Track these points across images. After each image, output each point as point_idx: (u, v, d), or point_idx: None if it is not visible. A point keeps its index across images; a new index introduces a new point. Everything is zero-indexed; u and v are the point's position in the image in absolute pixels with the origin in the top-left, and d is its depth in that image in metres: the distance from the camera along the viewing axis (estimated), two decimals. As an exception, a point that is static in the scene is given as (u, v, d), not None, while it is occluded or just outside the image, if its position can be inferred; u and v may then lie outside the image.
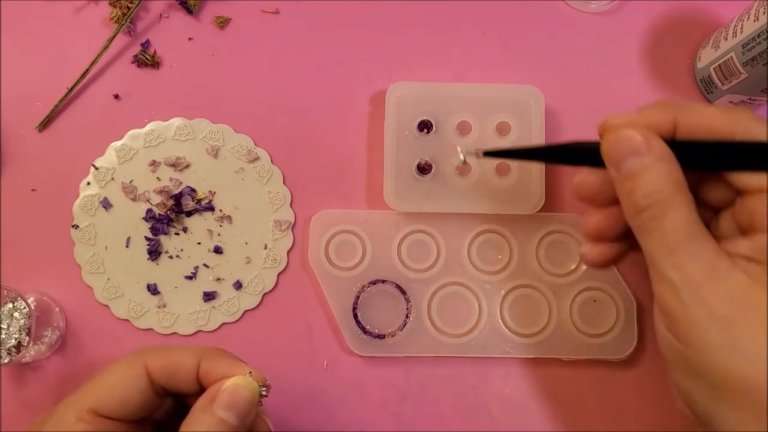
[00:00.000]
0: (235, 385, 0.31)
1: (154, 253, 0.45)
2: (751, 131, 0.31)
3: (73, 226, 0.46)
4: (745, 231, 0.32)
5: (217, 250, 0.46)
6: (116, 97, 0.47)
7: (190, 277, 0.45)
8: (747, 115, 0.32)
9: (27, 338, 0.42)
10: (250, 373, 0.32)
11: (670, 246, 0.31)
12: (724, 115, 0.32)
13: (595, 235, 0.35)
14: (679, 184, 0.31)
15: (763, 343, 0.29)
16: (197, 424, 0.31)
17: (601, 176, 0.34)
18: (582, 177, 0.35)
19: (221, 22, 0.48)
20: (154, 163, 0.46)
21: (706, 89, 0.47)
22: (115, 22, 0.47)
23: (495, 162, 0.45)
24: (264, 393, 0.32)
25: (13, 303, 0.42)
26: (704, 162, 0.32)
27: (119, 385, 0.32)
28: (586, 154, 0.33)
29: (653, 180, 0.31)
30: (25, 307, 0.42)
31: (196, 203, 0.46)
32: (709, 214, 0.34)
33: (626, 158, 0.31)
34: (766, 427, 0.29)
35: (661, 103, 0.33)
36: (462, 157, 0.39)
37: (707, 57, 0.46)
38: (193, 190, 0.46)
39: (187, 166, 0.46)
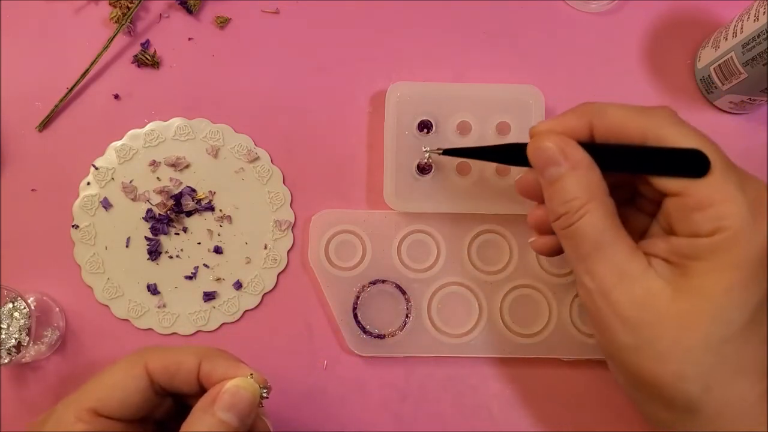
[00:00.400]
0: (236, 386, 0.31)
1: (154, 253, 0.45)
2: (661, 135, 0.32)
3: (73, 226, 0.46)
4: (667, 232, 0.34)
5: (217, 250, 0.46)
6: (116, 97, 0.47)
7: (190, 277, 0.45)
8: (661, 117, 0.33)
9: (27, 338, 0.42)
10: (251, 374, 0.32)
11: (583, 252, 0.33)
12: (637, 118, 0.33)
13: (538, 228, 0.37)
14: (594, 191, 0.33)
15: (670, 343, 0.31)
16: (198, 425, 0.31)
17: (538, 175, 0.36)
18: (522, 175, 0.37)
19: (221, 22, 0.48)
20: (154, 163, 0.46)
21: (706, 89, 0.47)
22: (115, 22, 0.47)
23: (495, 162, 0.45)
24: (265, 395, 0.32)
25: (13, 303, 0.42)
26: (621, 165, 0.33)
27: (119, 384, 0.32)
28: (523, 156, 0.35)
29: (567, 188, 0.33)
30: (25, 307, 0.42)
31: (196, 203, 0.46)
32: (651, 209, 0.36)
33: (546, 166, 0.33)
34: (676, 417, 0.32)
35: (580, 107, 0.34)
36: (426, 155, 0.43)
37: (707, 57, 0.46)
38: (193, 190, 0.46)
39: (187, 166, 0.46)
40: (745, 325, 0.30)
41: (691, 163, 0.31)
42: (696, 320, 0.31)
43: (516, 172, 0.45)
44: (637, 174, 0.34)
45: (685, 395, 0.31)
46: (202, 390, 0.33)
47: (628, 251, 0.32)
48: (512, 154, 0.36)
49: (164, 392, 0.33)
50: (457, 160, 0.45)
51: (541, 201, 0.36)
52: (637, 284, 0.32)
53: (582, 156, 0.33)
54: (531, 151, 0.34)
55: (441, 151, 0.41)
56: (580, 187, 0.33)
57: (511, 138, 0.45)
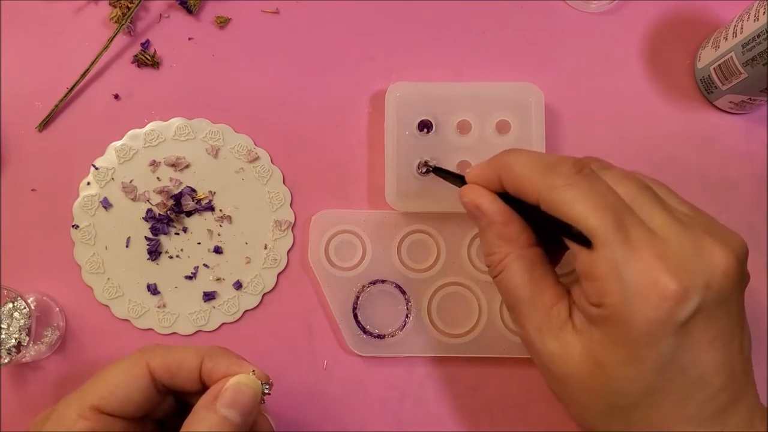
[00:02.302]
0: (237, 383, 0.32)
1: (154, 253, 0.45)
2: (551, 200, 0.31)
3: (73, 226, 0.46)
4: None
5: (217, 250, 0.46)
6: (116, 97, 0.47)
7: (190, 277, 0.45)
8: (555, 179, 0.31)
9: (27, 338, 0.42)
10: (253, 371, 0.32)
11: (508, 303, 0.34)
12: (533, 179, 0.32)
13: None
14: (513, 244, 0.33)
15: (580, 403, 0.32)
16: (200, 422, 0.31)
17: None
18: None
19: (221, 22, 0.48)
20: (154, 163, 0.46)
21: (706, 89, 0.47)
22: (115, 22, 0.47)
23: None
24: (267, 391, 0.32)
25: (13, 303, 0.42)
26: (530, 219, 0.33)
27: (121, 382, 0.32)
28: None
29: (486, 242, 0.34)
30: (25, 307, 0.42)
31: (196, 203, 0.46)
32: None
33: (472, 218, 0.35)
34: None
35: (496, 157, 0.34)
36: (422, 167, 0.44)
37: (707, 57, 0.46)
38: (193, 190, 0.46)
39: (187, 166, 0.46)
40: (645, 394, 0.30)
41: (575, 236, 0.30)
42: (596, 389, 0.31)
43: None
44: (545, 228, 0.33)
45: None
46: (204, 388, 0.33)
47: (548, 305, 0.32)
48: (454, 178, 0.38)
49: (166, 391, 0.34)
50: (457, 160, 0.45)
51: None
52: (553, 339, 0.32)
53: (496, 210, 0.33)
54: (462, 201, 0.35)
55: (432, 169, 0.43)
56: (496, 241, 0.33)
57: (512, 137, 0.45)
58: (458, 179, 0.38)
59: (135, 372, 0.32)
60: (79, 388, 0.33)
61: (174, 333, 0.45)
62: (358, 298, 0.45)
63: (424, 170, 0.44)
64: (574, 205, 0.30)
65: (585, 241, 0.30)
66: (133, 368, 0.32)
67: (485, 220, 0.33)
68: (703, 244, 0.30)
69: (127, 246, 0.46)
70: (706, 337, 0.30)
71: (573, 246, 0.31)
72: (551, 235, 0.33)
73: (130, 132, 0.47)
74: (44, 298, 0.45)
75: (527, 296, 0.32)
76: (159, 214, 0.46)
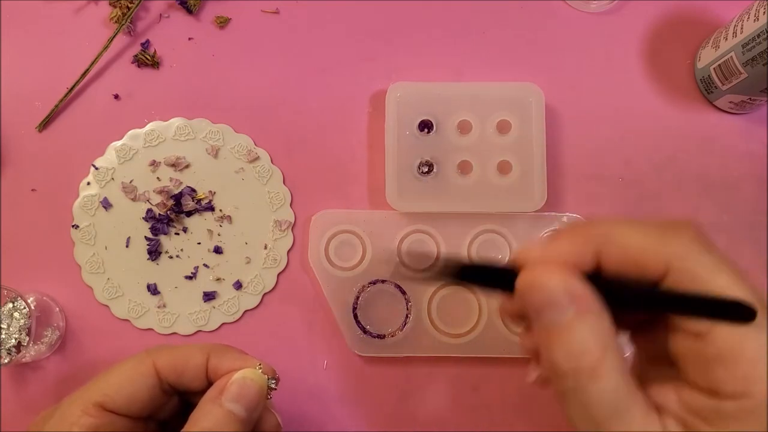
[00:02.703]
0: (243, 377, 0.32)
1: (154, 253, 0.45)
2: (688, 270, 0.26)
3: (73, 226, 0.46)
4: (673, 363, 0.28)
5: (217, 250, 0.46)
6: (116, 97, 0.47)
7: (190, 277, 0.45)
8: (685, 244, 0.26)
9: (27, 338, 0.41)
10: (260, 365, 0.32)
11: (594, 419, 0.26)
12: (655, 246, 0.26)
13: (536, 356, 0.29)
14: (606, 343, 0.26)
15: None
16: (205, 416, 0.31)
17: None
18: (504, 302, 0.30)
19: (221, 22, 0.48)
20: (154, 163, 0.46)
21: (706, 89, 0.47)
22: (115, 22, 0.47)
23: (497, 160, 0.45)
24: (273, 386, 0.33)
25: (13, 303, 0.42)
26: (636, 304, 0.27)
27: (127, 381, 0.32)
28: (505, 281, 0.28)
29: (575, 341, 0.26)
30: (25, 307, 0.42)
31: (196, 203, 0.46)
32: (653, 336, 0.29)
33: (544, 309, 0.26)
34: None
35: (582, 229, 0.28)
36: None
37: (707, 57, 0.46)
38: (193, 190, 0.46)
39: (187, 166, 0.46)
40: None
41: (730, 311, 0.25)
42: None
43: (518, 170, 0.45)
44: (655, 313, 0.28)
45: None
46: (210, 386, 0.33)
47: (644, 415, 0.26)
48: (497, 278, 0.28)
49: (172, 390, 0.34)
50: (458, 159, 0.45)
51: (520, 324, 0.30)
52: None
53: (593, 300, 0.26)
54: (524, 288, 0.27)
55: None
56: (592, 339, 0.26)
57: (512, 137, 0.45)
58: (500, 276, 0.28)
59: (140, 371, 0.32)
60: (84, 386, 0.33)
61: (174, 333, 0.45)
62: (358, 298, 0.45)
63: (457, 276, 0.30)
64: (718, 275, 0.25)
65: (747, 315, 0.25)
66: (138, 367, 0.32)
67: (575, 309, 0.26)
68: None
69: (127, 246, 0.46)
70: None
71: (693, 323, 0.26)
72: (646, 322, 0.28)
73: (130, 132, 0.47)
74: (44, 298, 0.45)
75: (628, 405, 0.26)
76: (159, 214, 0.46)
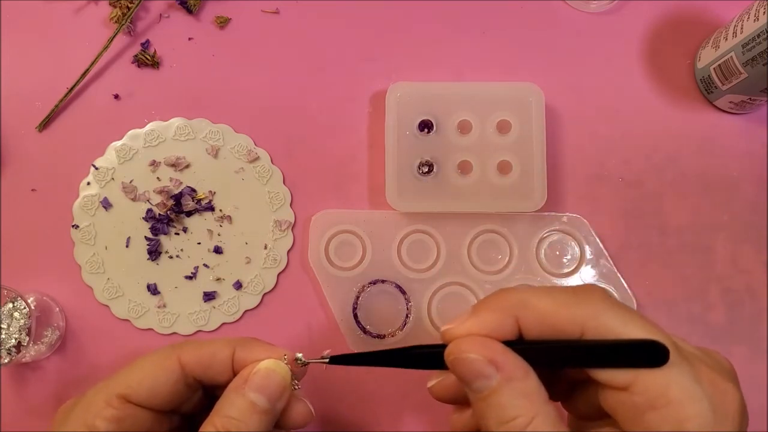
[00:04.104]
0: (267, 368, 0.32)
1: (154, 253, 0.45)
2: (600, 325, 0.27)
3: (73, 226, 0.46)
4: (609, 417, 0.29)
5: (217, 250, 0.46)
6: (116, 97, 0.47)
7: (190, 277, 0.45)
8: (594, 302, 0.28)
9: (27, 338, 0.41)
10: (285, 356, 0.33)
11: None
12: (567, 307, 0.28)
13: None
14: (536, 402, 0.27)
15: None
16: (229, 406, 0.31)
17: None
18: (436, 381, 0.32)
19: (221, 22, 0.48)
20: (154, 163, 0.46)
21: (706, 89, 0.47)
22: (115, 22, 0.47)
23: (497, 160, 0.45)
24: (296, 387, 0.33)
25: (13, 303, 0.42)
26: (558, 361, 0.29)
27: (151, 374, 0.32)
28: (435, 360, 0.30)
29: (505, 405, 0.27)
30: (25, 307, 0.42)
31: (196, 203, 0.46)
32: (570, 384, 0.32)
33: (473, 380, 0.28)
34: None
35: (497, 300, 0.29)
36: (300, 360, 0.34)
37: (707, 57, 0.46)
38: (193, 190, 0.46)
39: (187, 166, 0.46)
40: None
41: (644, 354, 0.27)
42: None
43: (518, 170, 0.45)
44: (576, 368, 0.29)
45: None
46: None
47: None
48: (424, 358, 0.31)
49: (197, 385, 0.34)
50: (458, 159, 0.45)
51: (466, 404, 0.31)
52: None
53: (515, 363, 0.27)
54: (452, 362, 0.29)
55: (327, 360, 0.34)
56: (519, 402, 0.27)
57: (512, 137, 0.45)
58: (388, 355, 0.32)
59: (165, 364, 0.33)
60: (110, 377, 0.33)
61: (174, 333, 0.45)
62: (358, 298, 0.45)
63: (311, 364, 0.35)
64: (629, 325, 0.27)
65: (661, 356, 0.26)
66: (163, 360, 0.33)
67: (501, 377, 0.27)
68: (712, 354, 0.29)
69: (127, 246, 0.46)
70: None
71: (618, 377, 0.27)
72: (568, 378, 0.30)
73: (130, 132, 0.47)
74: (44, 298, 0.45)
75: None
76: (159, 214, 0.46)
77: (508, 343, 0.28)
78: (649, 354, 0.26)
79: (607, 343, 0.27)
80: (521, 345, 0.28)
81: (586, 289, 0.29)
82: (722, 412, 0.26)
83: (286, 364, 0.33)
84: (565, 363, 0.29)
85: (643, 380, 0.26)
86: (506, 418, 0.27)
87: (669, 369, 0.26)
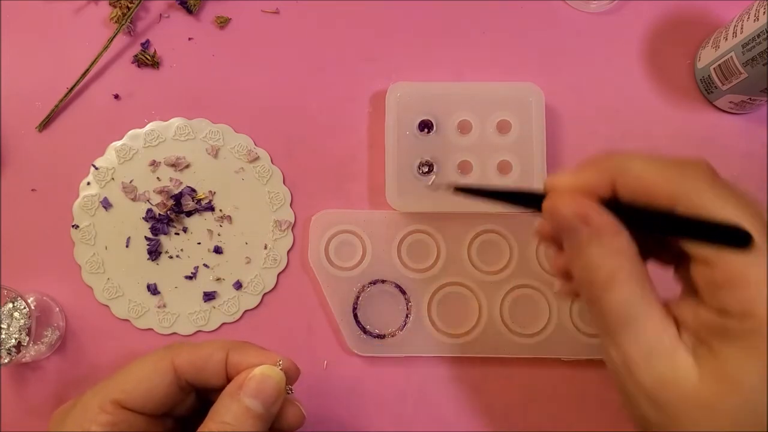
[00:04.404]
0: (262, 374, 0.32)
1: (154, 253, 0.45)
2: (695, 203, 0.28)
3: (73, 226, 0.46)
4: (695, 290, 0.30)
5: (217, 250, 0.46)
6: (116, 97, 0.47)
7: (190, 277, 0.45)
8: (695, 178, 0.29)
9: (27, 338, 0.41)
10: (280, 362, 0.33)
11: (609, 326, 0.30)
12: (667, 179, 0.29)
13: (562, 276, 0.33)
14: (621, 258, 0.29)
15: (694, 426, 0.28)
16: (224, 411, 0.31)
17: None
18: (540, 223, 0.34)
19: (221, 22, 0.48)
20: (154, 163, 0.46)
21: (706, 89, 0.47)
22: (115, 22, 0.47)
23: (497, 160, 0.45)
24: (289, 391, 0.33)
25: (13, 303, 0.42)
26: (648, 227, 0.30)
27: (145, 378, 0.32)
28: (536, 203, 0.32)
29: (590, 258, 0.29)
30: (25, 307, 0.42)
31: (196, 203, 0.46)
32: (678, 262, 0.32)
33: (564, 231, 0.30)
34: None
35: (601, 160, 0.31)
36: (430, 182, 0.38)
37: (707, 57, 0.46)
38: (193, 190, 0.46)
39: (187, 166, 0.46)
40: None
41: (729, 236, 0.28)
42: (723, 409, 0.28)
43: (518, 170, 0.45)
44: (665, 236, 0.30)
45: None
46: (230, 382, 0.33)
47: (659, 324, 0.29)
48: (530, 201, 0.33)
49: (190, 388, 0.34)
50: (458, 159, 0.45)
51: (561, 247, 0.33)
52: (664, 362, 0.29)
53: (605, 221, 0.29)
54: (547, 213, 0.31)
55: (452, 189, 0.36)
56: (604, 256, 0.29)
57: (512, 137, 0.45)
58: (513, 195, 0.33)
59: (158, 368, 0.33)
60: (104, 381, 0.33)
61: (174, 333, 0.45)
62: (358, 298, 0.45)
63: (430, 182, 0.40)
64: (726, 207, 0.28)
65: (744, 241, 0.27)
66: (157, 364, 0.33)
67: (591, 231, 0.29)
68: None
69: (127, 246, 0.46)
70: None
71: (701, 251, 0.28)
72: (655, 243, 0.31)
73: (130, 132, 0.47)
74: (44, 298, 0.45)
75: (638, 314, 0.29)
76: (159, 214, 0.46)
77: (607, 203, 0.30)
78: (732, 237, 0.27)
79: (693, 220, 0.28)
80: (615, 204, 0.30)
81: (692, 164, 0.30)
82: None
83: (280, 369, 0.33)
84: (653, 229, 0.30)
85: (726, 259, 0.28)
86: (591, 268, 0.29)
87: (753, 254, 0.27)
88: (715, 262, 0.28)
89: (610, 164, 0.30)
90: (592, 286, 0.30)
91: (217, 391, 0.33)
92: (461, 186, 0.36)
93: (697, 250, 0.28)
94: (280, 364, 0.33)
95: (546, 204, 0.31)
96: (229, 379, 0.33)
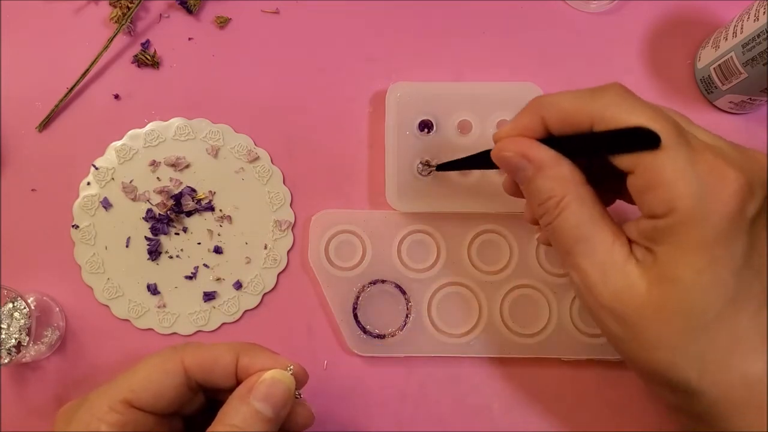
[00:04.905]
0: (272, 378, 0.32)
1: (154, 253, 0.45)
2: (607, 117, 0.31)
3: (73, 226, 0.46)
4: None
5: (217, 250, 0.46)
6: (116, 97, 0.47)
7: (190, 277, 0.45)
8: (607, 98, 0.31)
9: (27, 338, 0.42)
10: (290, 367, 0.33)
11: (566, 247, 0.32)
12: (582, 104, 0.32)
13: (534, 223, 0.36)
14: (566, 185, 0.32)
15: (654, 334, 0.30)
16: (234, 414, 0.31)
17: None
18: (504, 178, 0.37)
19: (221, 22, 0.48)
20: (154, 163, 0.46)
21: (706, 89, 0.47)
22: (115, 22, 0.47)
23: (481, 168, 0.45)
24: (297, 396, 0.34)
25: (13, 303, 0.42)
26: (582, 151, 0.32)
27: (154, 378, 0.32)
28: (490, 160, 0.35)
29: (539, 189, 0.32)
30: (25, 307, 0.42)
31: (196, 203, 0.46)
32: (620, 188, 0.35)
33: (514, 172, 0.33)
34: (684, 400, 0.31)
35: (531, 103, 0.34)
36: (423, 167, 0.44)
37: (707, 57, 0.46)
38: (193, 190, 0.46)
39: (187, 166, 0.46)
40: (727, 303, 0.29)
41: (640, 140, 0.30)
42: (672, 310, 0.30)
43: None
44: (595, 158, 0.33)
45: (682, 382, 0.30)
46: (238, 384, 0.33)
47: (610, 241, 0.31)
48: (490, 162, 0.36)
49: (198, 388, 0.34)
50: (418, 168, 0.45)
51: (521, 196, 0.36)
52: (617, 276, 0.31)
53: (544, 154, 0.32)
54: (496, 160, 0.34)
55: (435, 168, 0.43)
56: (550, 185, 0.32)
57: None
58: (476, 158, 0.38)
59: (168, 367, 0.33)
60: (112, 380, 0.33)
61: (174, 333, 0.45)
62: (358, 298, 0.45)
63: (426, 172, 0.44)
64: (633, 114, 0.30)
65: (653, 141, 0.29)
66: (166, 363, 0.33)
67: (534, 166, 0.32)
68: (748, 151, 0.31)
69: (127, 246, 0.46)
70: None
71: (624, 162, 0.30)
72: (602, 171, 0.33)
73: (130, 132, 0.47)
74: (44, 298, 0.45)
75: (589, 234, 0.31)
76: (159, 214, 0.46)
77: (545, 141, 0.33)
78: (642, 139, 0.29)
79: (608, 133, 0.30)
80: (551, 139, 0.33)
81: (604, 86, 0.32)
82: (713, 193, 0.29)
83: (291, 374, 0.33)
84: (584, 153, 0.32)
85: (643, 163, 0.30)
86: (541, 199, 0.32)
87: (665, 153, 0.29)
88: (636, 169, 0.30)
89: (538, 105, 0.33)
90: (546, 215, 0.32)
91: (224, 391, 0.33)
92: (441, 164, 0.42)
93: (622, 161, 0.30)
94: (290, 369, 0.33)
95: (493, 153, 0.34)
96: (238, 382, 0.33)
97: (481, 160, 0.37)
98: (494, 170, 0.45)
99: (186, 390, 0.33)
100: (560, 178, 0.32)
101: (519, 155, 0.33)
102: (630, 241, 0.31)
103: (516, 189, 0.36)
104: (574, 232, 0.31)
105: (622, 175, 0.32)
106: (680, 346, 0.30)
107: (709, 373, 0.30)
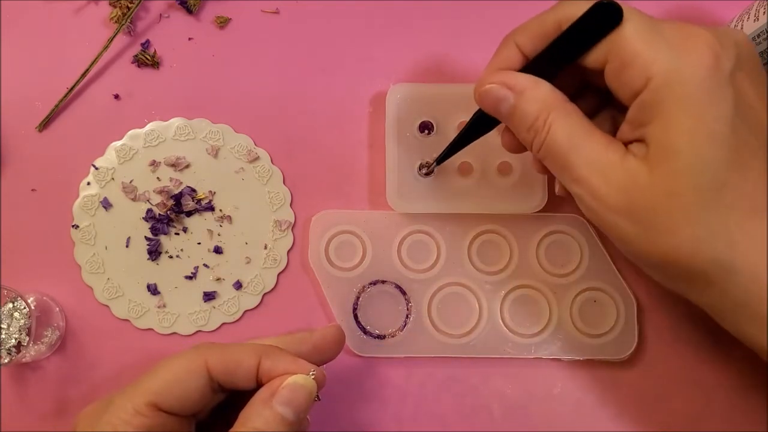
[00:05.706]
0: (295, 382, 0.32)
1: (154, 253, 0.45)
2: (570, 13, 0.32)
3: (73, 226, 0.46)
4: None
5: (217, 250, 0.46)
6: (116, 97, 0.47)
7: (190, 277, 0.45)
8: (563, 3, 0.33)
9: (27, 338, 0.42)
10: (312, 371, 0.33)
11: (563, 162, 0.32)
12: (546, 17, 0.33)
13: (511, 148, 0.38)
14: (549, 103, 0.32)
15: (667, 215, 0.30)
16: (257, 417, 0.31)
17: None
18: (502, 132, 0.37)
19: (221, 22, 0.48)
20: (154, 163, 0.46)
21: (706, 89, 0.47)
22: (115, 22, 0.47)
23: (497, 161, 0.45)
24: (317, 398, 0.34)
25: (13, 303, 0.42)
26: (557, 60, 0.33)
27: (179, 380, 0.32)
28: (489, 118, 0.36)
29: (525, 114, 0.33)
30: (25, 307, 0.42)
31: (196, 203, 0.46)
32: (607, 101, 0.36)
33: (498, 106, 0.34)
34: (714, 291, 0.31)
35: (503, 42, 0.35)
36: (424, 171, 0.44)
37: (707, 57, 0.46)
38: (193, 190, 0.46)
39: (187, 166, 0.46)
40: (730, 161, 0.29)
41: (603, 18, 0.31)
42: (680, 185, 0.29)
43: (518, 171, 0.45)
44: (572, 63, 0.33)
45: (714, 261, 0.29)
46: (259, 386, 0.33)
47: (603, 143, 0.32)
48: (481, 122, 0.37)
49: (220, 389, 0.34)
50: (458, 160, 0.45)
51: (523, 150, 0.37)
52: (618, 173, 0.31)
53: (522, 79, 0.33)
54: (479, 101, 0.35)
55: (435, 163, 0.43)
56: (534, 106, 0.32)
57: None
58: (468, 127, 0.38)
59: (192, 369, 0.33)
60: (136, 382, 0.33)
61: (174, 333, 0.45)
62: (358, 298, 0.45)
63: (426, 171, 0.44)
64: (586, 4, 0.31)
65: (616, 14, 0.30)
66: (190, 365, 0.33)
67: (515, 92, 0.33)
68: (716, 27, 0.31)
69: (127, 246, 0.46)
70: (756, 93, 0.30)
71: (598, 55, 0.31)
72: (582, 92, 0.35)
73: (130, 132, 0.47)
74: (44, 298, 0.45)
75: (581, 142, 0.32)
76: (159, 214, 0.46)
77: (522, 69, 0.34)
78: (605, 16, 0.30)
79: (571, 26, 0.32)
80: (527, 66, 0.34)
81: None
82: (685, 52, 0.29)
83: (313, 379, 0.33)
84: (560, 62, 0.33)
85: (615, 48, 0.31)
86: (529, 122, 0.33)
87: (630, 25, 0.30)
88: (608, 56, 0.31)
89: (509, 39, 0.34)
90: (537, 136, 0.33)
91: (242, 393, 0.33)
92: (439, 156, 0.42)
93: (596, 58, 0.32)
94: (312, 374, 0.33)
95: (475, 94, 0.35)
96: (259, 384, 0.33)
97: (473, 126, 0.38)
98: (495, 171, 0.45)
99: (209, 391, 0.33)
100: (543, 99, 0.33)
101: (500, 84, 0.33)
102: (624, 145, 0.32)
103: (515, 142, 0.36)
104: (566, 143, 0.32)
105: (601, 90, 0.33)
106: (697, 221, 0.29)
107: (738, 243, 0.29)
